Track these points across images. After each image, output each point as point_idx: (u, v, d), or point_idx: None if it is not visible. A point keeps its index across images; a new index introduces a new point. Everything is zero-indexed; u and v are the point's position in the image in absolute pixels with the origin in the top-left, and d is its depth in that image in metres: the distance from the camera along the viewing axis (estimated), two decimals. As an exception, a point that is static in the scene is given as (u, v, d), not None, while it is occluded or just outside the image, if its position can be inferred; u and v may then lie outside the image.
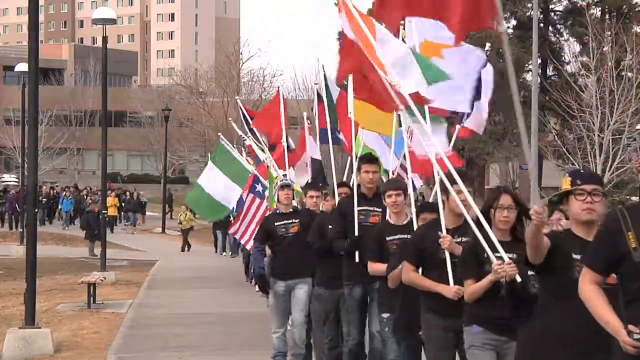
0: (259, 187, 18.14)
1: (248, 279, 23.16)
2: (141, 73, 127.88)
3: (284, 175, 12.39)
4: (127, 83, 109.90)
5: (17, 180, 59.40)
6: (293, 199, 12.30)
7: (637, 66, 33.15)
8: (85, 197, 50.81)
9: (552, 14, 41.89)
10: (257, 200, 18.02)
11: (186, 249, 38.39)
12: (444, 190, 8.04)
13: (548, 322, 6.08)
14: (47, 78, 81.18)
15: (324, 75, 14.79)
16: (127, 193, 55.40)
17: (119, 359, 13.83)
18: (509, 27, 39.34)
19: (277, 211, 12.08)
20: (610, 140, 31.76)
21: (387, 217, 9.59)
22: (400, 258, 8.40)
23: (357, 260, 10.13)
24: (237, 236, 19.41)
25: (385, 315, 9.41)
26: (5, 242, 39.54)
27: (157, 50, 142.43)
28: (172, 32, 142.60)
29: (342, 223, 10.52)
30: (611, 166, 32.07)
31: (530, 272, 6.67)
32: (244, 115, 19.20)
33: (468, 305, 7.40)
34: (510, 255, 7.13)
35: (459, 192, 7.82)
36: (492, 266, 7.12)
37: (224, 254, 35.35)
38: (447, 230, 7.96)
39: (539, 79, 32.53)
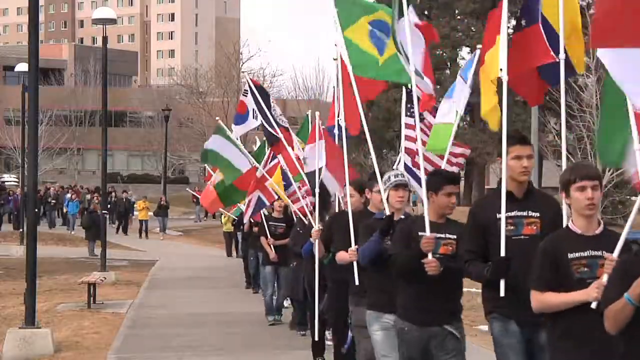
0: None
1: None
2: (141, 73, 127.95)
3: (400, 175, 8.57)
4: (127, 83, 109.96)
5: (17, 180, 59.39)
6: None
7: (637, 66, 33.13)
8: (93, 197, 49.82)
9: (552, 13, 41.91)
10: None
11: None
12: None
13: None
14: (47, 78, 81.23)
15: None
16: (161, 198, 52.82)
17: (119, 359, 13.81)
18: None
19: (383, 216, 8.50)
20: (610, 140, 31.75)
21: (569, 224, 6.09)
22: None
23: (502, 294, 6.88)
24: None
25: None
26: (5, 242, 39.50)
27: (157, 50, 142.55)
28: (172, 32, 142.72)
29: (479, 236, 7.13)
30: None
31: None
32: (252, 90, 16.61)
33: None
34: None
35: None
36: None
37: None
38: None
39: (539, 78, 32.51)
